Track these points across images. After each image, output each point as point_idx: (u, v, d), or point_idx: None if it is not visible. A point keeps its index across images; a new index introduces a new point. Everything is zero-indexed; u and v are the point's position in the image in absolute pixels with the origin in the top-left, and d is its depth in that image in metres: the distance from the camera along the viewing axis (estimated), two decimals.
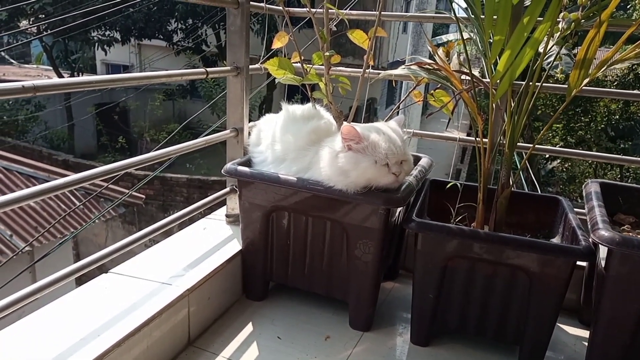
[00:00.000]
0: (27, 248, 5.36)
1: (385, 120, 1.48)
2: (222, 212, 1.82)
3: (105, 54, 13.77)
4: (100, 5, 8.99)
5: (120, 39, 13.08)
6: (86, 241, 9.30)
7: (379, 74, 1.64)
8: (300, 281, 1.53)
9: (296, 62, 1.57)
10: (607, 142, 9.44)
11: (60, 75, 13.98)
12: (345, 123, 1.29)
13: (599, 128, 9.64)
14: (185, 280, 1.37)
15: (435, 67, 1.39)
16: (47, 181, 1.08)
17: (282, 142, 1.47)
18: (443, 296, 1.36)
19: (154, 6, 12.25)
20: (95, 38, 13.05)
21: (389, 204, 1.31)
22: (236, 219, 1.72)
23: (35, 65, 17.60)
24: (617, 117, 9.59)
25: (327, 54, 1.48)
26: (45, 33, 11.98)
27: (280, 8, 1.64)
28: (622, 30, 1.34)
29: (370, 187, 1.29)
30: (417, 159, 1.60)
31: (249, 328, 1.45)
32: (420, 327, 1.41)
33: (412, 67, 1.40)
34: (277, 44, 1.58)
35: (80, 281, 1.69)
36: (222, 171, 1.50)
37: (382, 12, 1.53)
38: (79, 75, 14.65)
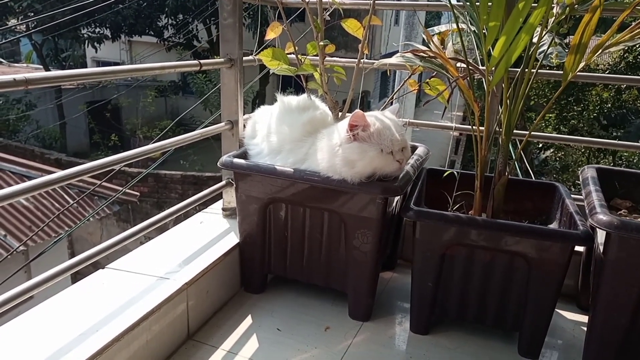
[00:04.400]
0: (21, 248, 5.33)
1: (381, 110, 1.47)
2: (218, 205, 1.81)
3: (96, 51, 13.64)
4: (89, 1, 8.90)
5: (110, 36, 12.97)
6: (81, 240, 9.25)
7: (373, 63, 1.63)
8: (298, 273, 1.53)
9: (290, 53, 1.56)
10: (599, 130, 9.49)
11: None
12: (357, 110, 1.28)
13: (592, 117, 9.69)
14: (183, 274, 1.36)
15: (431, 54, 1.38)
16: None
17: (277, 134, 1.46)
18: (442, 284, 1.36)
19: (144, 2, 12.15)
20: (85, 35, 12.92)
21: (386, 193, 1.30)
22: (233, 212, 1.71)
23: (25, 64, 17.43)
24: (609, 105, 9.64)
25: (322, 43, 1.47)
26: (34, 30, 11.85)
27: None
28: (615, 15, 1.33)
29: (375, 176, 1.29)
30: (413, 148, 1.60)
31: (248, 320, 1.45)
32: (420, 316, 1.42)
33: (407, 55, 1.39)
34: (270, 35, 1.57)
35: (75, 279, 1.68)
36: (218, 164, 1.49)
37: (376, 1, 1.52)
38: None
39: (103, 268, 1.39)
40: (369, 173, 1.28)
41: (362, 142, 1.27)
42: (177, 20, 12.78)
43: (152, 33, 13.16)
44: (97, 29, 12.85)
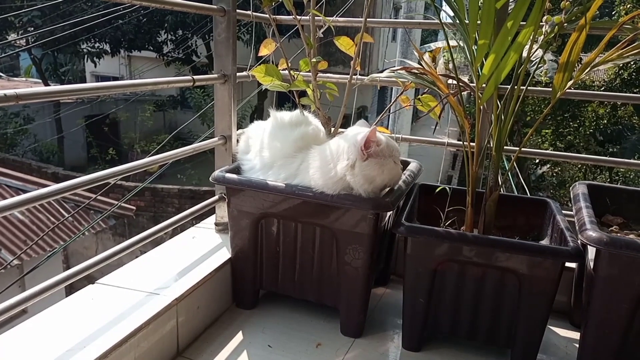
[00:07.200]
0: (15, 262, 5.29)
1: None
2: (211, 220, 1.80)
3: (95, 66, 13.71)
4: (89, 16, 8.98)
5: (110, 51, 13.05)
6: (77, 254, 9.20)
7: (364, 79, 1.65)
8: (290, 288, 1.52)
9: (283, 69, 1.58)
10: (595, 146, 9.54)
11: None
12: (373, 126, 1.32)
13: (588, 133, 9.75)
14: (173, 289, 1.36)
15: (422, 71, 1.39)
16: None
17: (270, 149, 1.47)
18: (434, 300, 1.35)
19: (144, 17, 12.25)
20: (85, 50, 13.01)
21: (378, 208, 1.31)
22: (225, 227, 1.71)
23: (24, 78, 17.49)
24: (605, 121, 9.70)
25: (314, 60, 1.48)
26: (33, 45, 11.93)
27: (267, 16, 1.64)
28: (605, 33, 1.35)
29: (387, 188, 1.34)
30: (405, 164, 1.60)
31: (239, 337, 1.44)
32: (412, 332, 1.41)
33: (399, 71, 1.41)
34: (263, 51, 1.59)
35: (70, 293, 1.67)
36: (210, 179, 1.49)
37: (368, 19, 1.54)
38: None
39: (94, 282, 1.39)
40: (385, 185, 1.33)
41: (376, 157, 1.30)
42: (177, 35, 12.88)
43: (152, 48, 13.25)
44: (97, 44, 12.93)
